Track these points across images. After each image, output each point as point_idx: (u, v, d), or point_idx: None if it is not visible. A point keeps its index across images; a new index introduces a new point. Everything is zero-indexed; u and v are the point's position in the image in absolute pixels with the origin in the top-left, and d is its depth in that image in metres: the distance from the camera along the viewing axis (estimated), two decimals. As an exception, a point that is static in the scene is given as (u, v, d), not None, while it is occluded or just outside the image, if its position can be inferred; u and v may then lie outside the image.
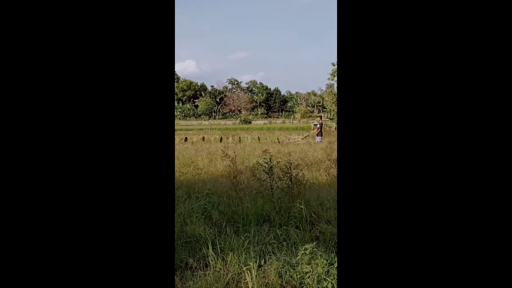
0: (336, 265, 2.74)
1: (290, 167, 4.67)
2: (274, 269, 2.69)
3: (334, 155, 8.40)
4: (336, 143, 12.34)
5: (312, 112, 57.72)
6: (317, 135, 14.51)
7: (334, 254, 2.97)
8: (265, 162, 4.54)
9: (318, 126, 14.84)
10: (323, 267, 2.63)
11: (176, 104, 58.65)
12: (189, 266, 2.84)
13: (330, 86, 52.87)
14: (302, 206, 3.87)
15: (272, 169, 4.53)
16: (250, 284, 2.50)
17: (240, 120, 43.24)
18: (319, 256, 2.68)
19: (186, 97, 63.86)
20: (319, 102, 62.33)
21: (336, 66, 48.91)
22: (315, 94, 65.99)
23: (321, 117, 15.48)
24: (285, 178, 4.56)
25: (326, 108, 52.80)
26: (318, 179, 6.29)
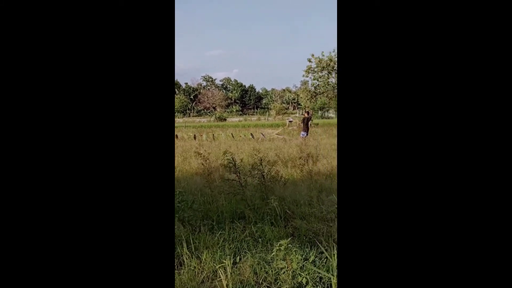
0: (311, 259, 2.76)
1: (261, 164, 4.66)
2: (249, 266, 2.69)
3: (308, 151, 8.48)
4: (311, 139, 12.46)
5: (287, 109, 58.08)
6: (302, 130, 13.40)
7: (309, 249, 2.99)
8: (229, 163, 4.50)
9: (303, 121, 13.72)
10: (298, 263, 2.64)
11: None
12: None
13: (304, 83, 53.41)
14: (276, 203, 3.88)
15: (237, 168, 4.49)
16: (224, 282, 2.48)
17: (215, 118, 43.05)
18: (294, 252, 2.69)
19: (159, 94, 62.88)
20: (294, 99, 62.78)
21: (311, 63, 49.39)
22: (290, 91, 66.45)
23: (308, 112, 14.43)
24: (257, 175, 4.56)
25: (301, 105, 53.27)
26: (292, 175, 6.33)
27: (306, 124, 13.39)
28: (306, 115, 13.78)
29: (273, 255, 2.74)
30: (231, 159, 4.48)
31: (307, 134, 13.17)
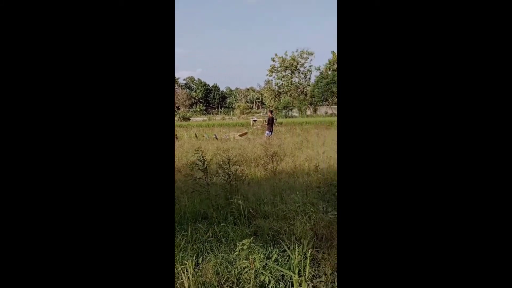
0: (273, 258, 2.78)
1: (229, 163, 4.65)
2: (212, 267, 2.67)
3: (272, 150, 8.54)
4: (275, 138, 12.54)
5: (252, 108, 58.24)
6: (267, 129, 13.54)
7: (272, 248, 3.01)
8: (199, 160, 4.48)
9: (268, 120, 13.79)
10: (261, 262, 2.65)
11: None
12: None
13: (268, 82, 53.79)
14: (240, 202, 3.88)
15: (206, 167, 4.47)
16: (186, 284, 2.45)
17: (179, 117, 42.47)
18: (256, 251, 2.70)
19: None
20: (258, 98, 63.05)
21: (274, 62, 49.78)
22: (254, 91, 66.67)
23: (271, 111, 14.56)
24: (222, 175, 4.53)
25: (265, 104, 53.59)
26: (256, 174, 6.35)
27: (271, 123, 13.50)
28: (270, 114, 13.90)
29: (236, 254, 2.73)
30: (201, 157, 4.45)
31: (271, 134, 13.27)
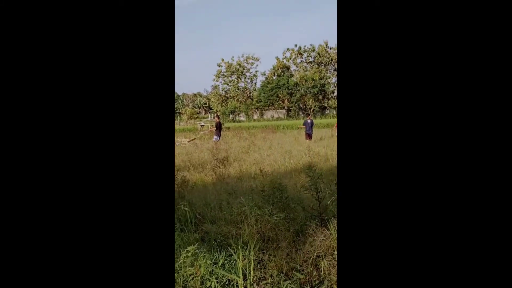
0: (220, 263, 2.76)
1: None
2: (156, 276, 2.59)
3: (221, 155, 8.52)
4: (222, 143, 12.51)
5: (199, 113, 57.73)
6: (215, 134, 13.47)
7: (218, 253, 2.99)
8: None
9: (215, 125, 13.76)
10: (207, 267, 2.62)
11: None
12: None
13: (215, 87, 53.64)
14: (186, 208, 3.81)
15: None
16: (129, 296, 2.36)
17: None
18: (202, 257, 2.66)
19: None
20: (205, 103, 62.61)
21: (221, 67, 49.74)
22: (201, 96, 66.15)
23: (218, 116, 14.69)
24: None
25: (213, 109, 53.36)
26: (203, 179, 6.29)
27: (218, 128, 13.52)
28: (217, 119, 13.92)
29: (181, 262, 2.68)
30: None
31: (219, 138, 13.27)
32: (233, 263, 2.81)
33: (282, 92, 45.55)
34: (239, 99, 49.84)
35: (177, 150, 10.98)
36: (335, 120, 23.31)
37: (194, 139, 16.84)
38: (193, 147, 11.80)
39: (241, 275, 2.48)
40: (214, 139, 13.30)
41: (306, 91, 44.35)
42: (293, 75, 48.57)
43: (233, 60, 49.91)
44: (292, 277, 2.63)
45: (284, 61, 49.56)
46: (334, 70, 47.48)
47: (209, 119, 36.17)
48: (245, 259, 2.70)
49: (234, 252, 2.87)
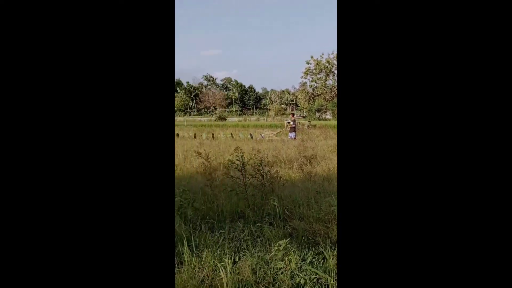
0: (308, 260, 2.81)
1: (261, 164, 4.71)
2: (249, 266, 2.73)
3: (308, 152, 8.52)
4: (309, 141, 12.49)
5: (286, 110, 58.15)
6: (290, 131, 14.08)
7: (307, 250, 3.04)
8: (237, 160, 4.57)
9: (291, 123, 14.49)
10: (296, 263, 2.69)
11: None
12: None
13: (303, 84, 53.46)
14: (275, 203, 3.93)
15: (244, 167, 4.56)
16: (225, 281, 2.53)
17: (216, 117, 43.19)
18: (292, 252, 2.74)
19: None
20: (292, 100, 62.82)
21: (309, 64, 49.37)
22: (288, 92, 66.50)
23: (293, 114, 15.08)
24: (257, 175, 4.60)
25: (299, 106, 53.30)
26: (291, 176, 6.38)
27: (294, 126, 14.12)
28: (292, 117, 14.71)
29: (272, 255, 2.79)
30: (240, 156, 4.55)
31: (295, 135, 13.83)
32: (321, 262, 2.85)
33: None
34: (326, 97, 49.01)
35: (265, 145, 11.22)
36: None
37: (280, 131, 17.12)
38: (280, 143, 11.96)
39: (332, 274, 2.51)
40: (289, 136, 13.69)
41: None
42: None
43: (322, 58, 49.11)
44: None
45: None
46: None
47: (295, 116, 36.29)
48: (333, 259, 2.72)
49: (323, 251, 2.90)
